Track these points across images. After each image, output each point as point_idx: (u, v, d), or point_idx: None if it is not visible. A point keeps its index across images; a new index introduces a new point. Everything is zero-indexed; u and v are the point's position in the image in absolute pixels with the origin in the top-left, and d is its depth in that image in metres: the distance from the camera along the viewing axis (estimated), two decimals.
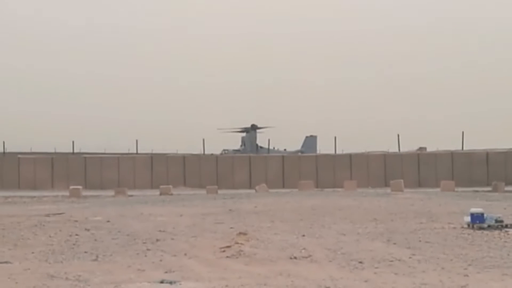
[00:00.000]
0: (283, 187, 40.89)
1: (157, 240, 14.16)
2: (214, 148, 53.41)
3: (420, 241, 13.61)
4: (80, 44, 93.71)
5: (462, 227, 15.63)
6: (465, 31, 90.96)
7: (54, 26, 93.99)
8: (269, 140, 53.51)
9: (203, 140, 47.92)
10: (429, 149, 48.58)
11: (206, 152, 47.91)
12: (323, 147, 54.81)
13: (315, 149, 60.15)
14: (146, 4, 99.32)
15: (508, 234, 14.45)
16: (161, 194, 34.90)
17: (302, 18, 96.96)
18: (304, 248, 12.62)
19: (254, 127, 60.67)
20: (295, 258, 11.67)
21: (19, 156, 44.63)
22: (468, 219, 15.70)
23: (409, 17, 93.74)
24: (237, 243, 13.08)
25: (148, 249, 12.86)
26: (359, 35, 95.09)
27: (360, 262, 11.12)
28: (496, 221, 15.53)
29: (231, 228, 16.09)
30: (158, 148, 53.42)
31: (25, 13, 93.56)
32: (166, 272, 10.51)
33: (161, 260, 11.62)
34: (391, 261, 11.26)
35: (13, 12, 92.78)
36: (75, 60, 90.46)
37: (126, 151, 50.61)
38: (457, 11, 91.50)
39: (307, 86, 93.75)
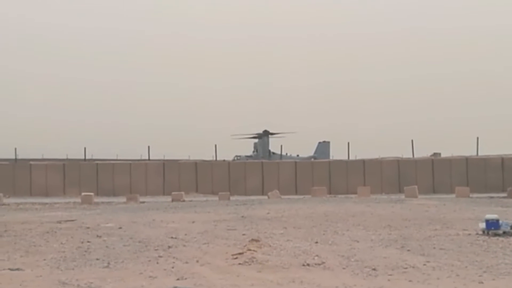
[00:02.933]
0: (296, 193, 40.75)
1: (169, 247, 14.10)
2: (226, 154, 53.47)
3: (434, 248, 13.46)
4: (91, 50, 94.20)
5: (477, 234, 15.47)
6: (480, 35, 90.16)
7: (64, 32, 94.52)
8: (281, 146, 53.39)
9: (215, 146, 47.96)
10: (443, 155, 48.32)
11: (218, 158, 47.88)
12: (336, 153, 54.80)
13: (328, 155, 59.99)
14: (155, 9, 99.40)
15: None
16: (173, 200, 34.88)
17: (313, 21, 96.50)
18: (317, 255, 12.52)
19: (266, 133, 60.62)
20: (308, 265, 11.56)
21: (31, 162, 44.81)
22: (483, 225, 15.53)
23: (422, 19, 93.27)
24: (250, 250, 13.00)
25: (160, 256, 12.80)
26: (371, 37, 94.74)
27: (374, 269, 11.01)
28: None
29: (244, 234, 16.01)
30: (170, 154, 53.55)
31: (36, 19, 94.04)
32: (178, 279, 10.45)
33: (173, 267, 11.55)
34: (405, 268, 11.13)
35: (22, 17, 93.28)
36: (85, 66, 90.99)
37: (138, 158, 50.72)
38: (471, 15, 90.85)
39: (320, 91, 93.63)
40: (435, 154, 48.39)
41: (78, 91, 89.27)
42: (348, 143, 46.84)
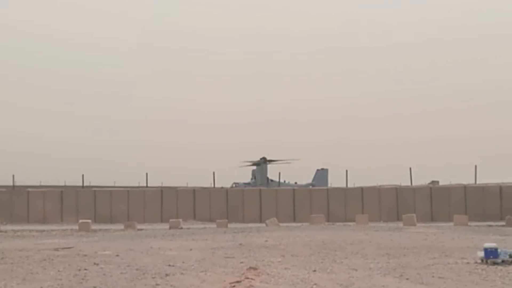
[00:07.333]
0: (294, 221, 40.62)
1: (167, 274, 14.03)
2: (224, 181, 53.37)
3: (433, 276, 13.41)
4: (88, 77, 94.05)
5: (476, 262, 15.44)
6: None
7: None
8: (279, 173, 53.47)
9: (213, 173, 47.92)
10: (441, 183, 48.25)
11: (216, 185, 47.82)
12: (334, 180, 54.68)
13: (326, 183, 59.96)
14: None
15: None
16: (170, 227, 34.75)
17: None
18: (315, 284, 12.46)
19: (265, 160, 60.64)
20: None
21: (29, 189, 44.72)
22: (481, 254, 15.51)
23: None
24: (248, 278, 12.94)
25: (157, 284, 12.73)
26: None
27: None
28: (510, 256, 15.33)
29: (241, 262, 15.94)
30: (168, 181, 53.47)
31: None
32: None
33: None
34: None
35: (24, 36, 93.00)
36: (81, 94, 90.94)
37: (136, 185, 50.64)
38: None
39: (318, 118, 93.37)
40: (433, 182, 48.35)
41: (76, 119, 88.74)
42: (346, 171, 46.84)
